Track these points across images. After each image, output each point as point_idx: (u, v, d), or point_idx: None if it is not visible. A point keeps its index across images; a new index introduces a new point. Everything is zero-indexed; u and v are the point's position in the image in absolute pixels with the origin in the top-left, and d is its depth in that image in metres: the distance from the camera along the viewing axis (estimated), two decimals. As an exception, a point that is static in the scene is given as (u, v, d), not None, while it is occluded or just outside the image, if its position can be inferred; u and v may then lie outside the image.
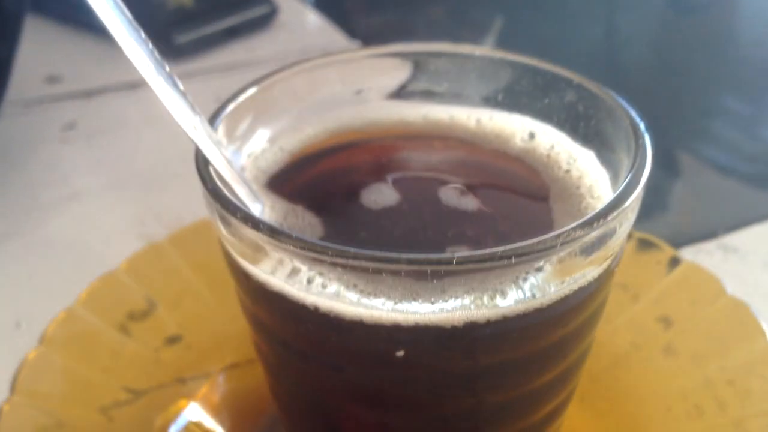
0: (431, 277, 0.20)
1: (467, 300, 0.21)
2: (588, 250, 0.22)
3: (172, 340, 0.35)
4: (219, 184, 0.23)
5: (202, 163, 0.24)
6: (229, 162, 0.24)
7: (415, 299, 0.21)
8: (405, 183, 0.28)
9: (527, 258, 0.20)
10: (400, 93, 0.31)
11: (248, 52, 0.70)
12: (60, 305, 0.34)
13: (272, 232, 0.21)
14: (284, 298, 0.22)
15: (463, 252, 0.20)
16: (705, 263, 0.36)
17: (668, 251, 0.37)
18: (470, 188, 0.27)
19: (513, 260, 0.20)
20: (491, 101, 0.31)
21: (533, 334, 0.23)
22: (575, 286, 0.22)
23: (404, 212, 0.26)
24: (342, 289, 0.21)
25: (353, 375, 0.24)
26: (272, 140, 0.29)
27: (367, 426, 0.26)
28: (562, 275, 0.22)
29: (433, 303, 0.21)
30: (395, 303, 0.21)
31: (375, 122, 0.31)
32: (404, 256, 0.20)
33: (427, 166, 0.29)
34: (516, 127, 0.30)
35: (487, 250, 0.20)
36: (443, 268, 0.20)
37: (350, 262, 0.20)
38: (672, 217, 0.52)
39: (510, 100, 0.30)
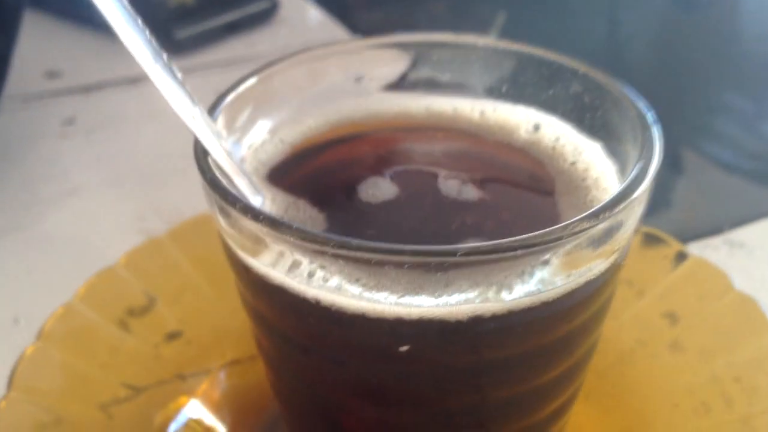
0: (436, 269, 0.20)
1: (472, 293, 0.20)
2: (595, 242, 0.21)
3: (172, 336, 0.34)
4: (218, 175, 0.23)
5: (201, 154, 0.23)
6: (228, 153, 0.23)
7: (419, 293, 0.20)
8: (408, 176, 0.28)
9: (534, 250, 0.20)
10: (403, 84, 0.31)
11: (249, 48, 0.69)
12: (59, 301, 0.33)
13: (273, 223, 0.20)
14: (285, 292, 0.22)
15: (468, 244, 0.20)
16: (711, 259, 0.36)
17: (675, 246, 0.36)
18: (474, 181, 0.27)
19: (519, 252, 0.20)
20: (495, 92, 0.30)
21: (539, 329, 0.23)
22: (582, 280, 0.22)
23: (407, 205, 0.26)
24: (344, 282, 0.21)
25: (355, 370, 0.24)
26: (273, 132, 0.29)
27: (368, 421, 0.26)
28: (569, 268, 0.21)
29: (437, 296, 0.20)
30: (398, 296, 0.20)
31: (377, 114, 0.31)
32: (408, 248, 0.19)
33: (431, 159, 0.29)
34: (520, 119, 0.30)
35: (493, 242, 0.19)
36: (448, 260, 0.19)
37: (353, 253, 0.19)
38: (676, 213, 0.51)
39: (514, 91, 0.30)
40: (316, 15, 0.77)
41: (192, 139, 0.23)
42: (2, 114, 0.55)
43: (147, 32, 0.21)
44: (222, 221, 0.23)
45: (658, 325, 0.35)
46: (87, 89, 0.62)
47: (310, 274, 0.21)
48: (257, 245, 0.22)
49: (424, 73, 0.31)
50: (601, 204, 0.21)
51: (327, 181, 0.28)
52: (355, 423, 0.26)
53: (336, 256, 0.20)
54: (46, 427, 0.28)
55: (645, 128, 0.24)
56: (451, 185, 0.27)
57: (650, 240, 0.37)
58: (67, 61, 0.66)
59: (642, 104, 0.25)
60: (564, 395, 0.27)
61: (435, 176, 0.27)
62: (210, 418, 0.31)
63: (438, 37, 0.30)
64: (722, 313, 0.34)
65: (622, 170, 0.26)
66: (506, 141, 0.29)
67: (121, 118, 0.59)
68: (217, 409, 0.32)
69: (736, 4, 0.91)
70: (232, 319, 0.34)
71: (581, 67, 0.27)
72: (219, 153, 0.23)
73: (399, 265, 0.20)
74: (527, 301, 0.21)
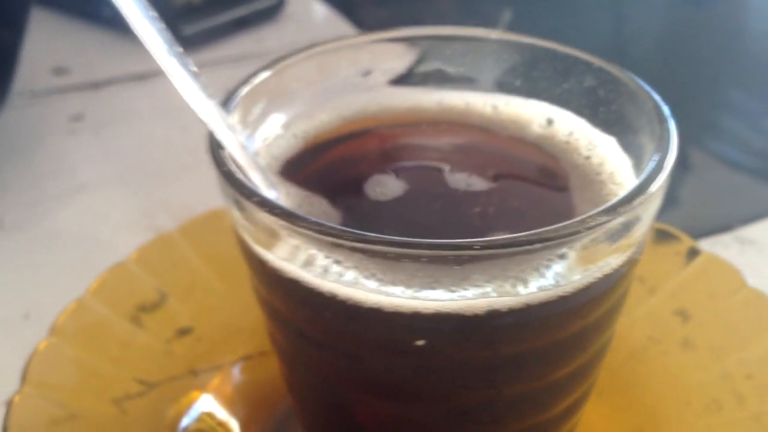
0: (453, 263, 0.20)
1: (489, 288, 0.20)
2: (613, 237, 0.21)
3: (184, 331, 0.34)
4: (233, 168, 0.23)
5: (215, 147, 0.23)
6: (243, 146, 0.23)
7: (435, 287, 0.20)
8: (421, 170, 0.28)
9: (551, 244, 0.20)
10: (415, 78, 0.31)
11: (256, 44, 0.69)
12: (68, 297, 0.33)
13: (289, 216, 0.20)
14: (300, 286, 0.22)
15: (485, 238, 0.19)
16: (722, 256, 0.36)
17: (687, 242, 0.36)
18: (488, 176, 0.27)
19: (537, 246, 0.19)
20: (508, 87, 0.30)
21: (555, 324, 0.22)
22: (599, 274, 0.22)
23: (422, 200, 0.26)
24: (360, 275, 0.21)
25: (370, 364, 0.24)
26: (286, 126, 0.29)
27: (382, 416, 0.26)
28: (586, 263, 0.21)
29: (454, 291, 0.20)
30: (415, 290, 0.20)
31: (389, 109, 0.31)
32: (425, 241, 0.19)
33: (443, 154, 0.29)
34: (533, 113, 0.29)
35: (511, 236, 0.19)
36: (465, 253, 0.19)
37: (370, 247, 0.19)
38: (685, 211, 0.51)
39: (527, 85, 0.30)
40: (322, 11, 0.77)
41: (201, 136, 0.23)
42: (10, 110, 0.55)
43: (161, 24, 0.21)
44: (237, 215, 0.23)
45: (670, 322, 0.35)
46: (95, 86, 0.62)
47: (326, 268, 0.21)
48: (273, 239, 0.22)
49: (436, 66, 0.30)
50: (619, 197, 0.21)
51: (341, 175, 0.28)
52: (369, 418, 0.26)
53: (353, 250, 0.20)
54: (59, 421, 0.28)
55: (662, 121, 0.24)
56: (464, 180, 0.27)
57: (662, 236, 0.37)
58: (75, 58, 0.66)
59: (658, 97, 0.25)
60: (578, 392, 0.27)
61: (449, 171, 0.27)
62: (222, 413, 0.31)
63: (451, 31, 0.30)
64: (734, 310, 0.34)
65: (638, 164, 0.26)
66: (519, 135, 0.29)
67: (129, 115, 0.59)
68: (230, 404, 0.32)
69: (742, 2, 0.91)
70: (243, 315, 0.34)
71: (596, 61, 0.27)
72: (234, 146, 0.23)
73: (416, 259, 0.20)
74: (544, 296, 0.21)
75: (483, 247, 0.19)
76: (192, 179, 0.50)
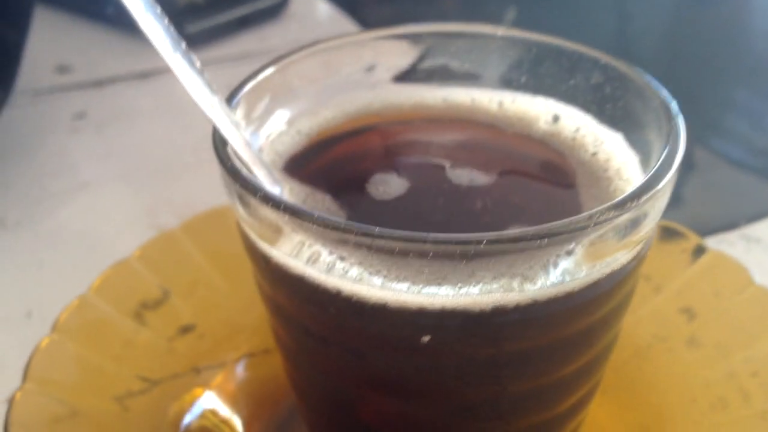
0: (460, 258, 0.19)
1: (496, 284, 0.20)
2: (620, 233, 0.21)
3: (187, 329, 0.34)
4: (237, 164, 0.23)
5: (219, 143, 0.23)
6: (247, 143, 0.23)
7: (442, 282, 0.20)
8: (426, 167, 0.28)
9: (559, 239, 0.20)
10: (419, 75, 0.30)
11: (259, 42, 0.69)
12: (71, 295, 0.33)
13: (294, 212, 0.20)
14: (305, 282, 0.21)
15: (493, 233, 0.19)
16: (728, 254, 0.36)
17: (693, 239, 0.36)
18: (494, 172, 0.27)
19: (544, 241, 0.19)
20: (514, 83, 0.30)
21: (562, 321, 0.22)
22: (606, 270, 0.22)
23: (427, 197, 0.26)
24: (366, 271, 0.20)
25: (375, 361, 0.23)
26: (290, 123, 0.29)
27: (387, 413, 0.26)
28: (593, 259, 0.21)
29: (460, 287, 0.20)
30: (421, 286, 0.20)
31: (393, 105, 0.30)
32: (432, 236, 0.19)
33: (449, 150, 0.28)
34: (540, 110, 0.29)
35: (518, 231, 0.19)
36: (472, 249, 0.19)
37: (375, 242, 0.19)
38: (691, 209, 0.51)
39: (533, 81, 0.29)
40: (326, 9, 0.77)
41: (204, 134, 0.23)
42: (13, 108, 0.54)
43: (166, 20, 0.21)
44: (241, 211, 0.23)
45: (676, 320, 0.35)
46: (98, 84, 0.62)
47: (331, 264, 0.21)
48: (277, 235, 0.22)
49: (440, 63, 0.30)
50: (627, 193, 0.21)
51: (345, 172, 0.28)
52: (374, 415, 0.26)
53: (358, 245, 0.20)
54: (61, 419, 0.28)
55: (670, 117, 0.23)
56: (469, 177, 0.26)
57: (668, 233, 0.36)
58: (78, 56, 0.66)
59: (665, 93, 0.25)
60: (583, 389, 0.27)
61: (454, 168, 0.27)
62: (225, 410, 0.31)
63: (456, 27, 0.30)
64: (740, 308, 0.34)
65: (645, 161, 0.25)
66: (525, 132, 0.29)
67: (132, 113, 0.59)
68: (233, 401, 0.32)
69: (746, 0, 0.91)
70: (246, 312, 0.34)
71: (603, 57, 0.27)
72: (238, 142, 0.23)
73: (422, 254, 0.19)
74: (551, 292, 0.21)
75: (490, 242, 0.19)
76: (195, 177, 0.50)
